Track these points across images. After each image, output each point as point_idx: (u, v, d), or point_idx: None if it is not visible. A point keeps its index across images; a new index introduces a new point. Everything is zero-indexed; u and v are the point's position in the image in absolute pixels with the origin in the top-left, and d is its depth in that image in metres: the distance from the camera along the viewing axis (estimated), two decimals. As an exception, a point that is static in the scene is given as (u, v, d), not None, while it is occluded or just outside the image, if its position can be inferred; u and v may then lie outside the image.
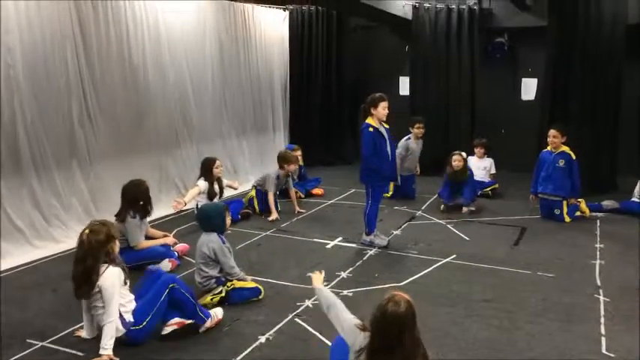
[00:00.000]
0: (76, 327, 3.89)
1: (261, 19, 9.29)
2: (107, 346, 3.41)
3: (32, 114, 5.52)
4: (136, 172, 6.71)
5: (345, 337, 2.90)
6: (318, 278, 3.37)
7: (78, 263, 3.54)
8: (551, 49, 8.26)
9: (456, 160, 7.30)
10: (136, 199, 5.12)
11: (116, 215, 5.09)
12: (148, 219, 5.42)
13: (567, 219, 6.76)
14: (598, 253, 5.61)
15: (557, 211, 6.81)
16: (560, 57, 8.12)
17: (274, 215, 6.79)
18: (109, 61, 6.37)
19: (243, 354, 3.57)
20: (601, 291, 4.61)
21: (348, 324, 2.89)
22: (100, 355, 3.40)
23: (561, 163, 6.78)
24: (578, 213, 6.88)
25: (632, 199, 7.27)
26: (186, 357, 3.47)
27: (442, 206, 7.31)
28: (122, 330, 3.55)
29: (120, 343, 3.54)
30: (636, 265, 5.20)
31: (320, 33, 10.46)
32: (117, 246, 3.71)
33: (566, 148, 6.83)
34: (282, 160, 7.13)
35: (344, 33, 10.78)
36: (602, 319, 4.09)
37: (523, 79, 10.04)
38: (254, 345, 3.69)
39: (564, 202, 6.79)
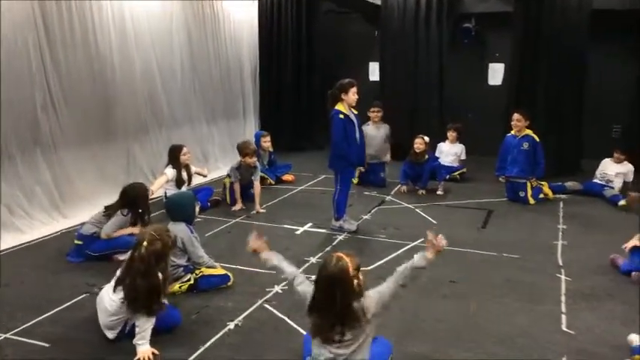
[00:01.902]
0: (36, 319, 3.83)
1: (229, 5, 9.18)
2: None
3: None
4: (103, 161, 6.67)
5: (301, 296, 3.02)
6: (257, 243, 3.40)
7: (140, 278, 3.33)
8: (517, 35, 8.38)
9: (417, 143, 7.50)
10: (134, 204, 5.01)
11: (106, 207, 5.02)
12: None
13: (531, 201, 6.92)
14: (561, 233, 5.77)
15: (521, 193, 6.98)
16: (525, 42, 8.25)
17: (238, 205, 6.66)
18: (73, 50, 6.22)
19: (212, 341, 3.58)
20: (563, 271, 4.75)
21: (304, 287, 3.05)
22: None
23: (525, 145, 6.94)
24: (541, 195, 7.05)
25: (594, 180, 7.47)
26: (152, 346, 3.45)
27: (402, 188, 7.52)
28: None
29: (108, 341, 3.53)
30: (597, 244, 5.36)
31: (289, 19, 10.40)
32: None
33: (529, 132, 6.99)
34: (239, 151, 6.81)
35: (314, 19, 10.74)
36: (563, 298, 4.21)
37: (490, 64, 10.18)
38: (222, 332, 3.69)
39: (528, 184, 6.95)
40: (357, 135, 5.74)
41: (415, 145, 7.51)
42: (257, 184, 6.74)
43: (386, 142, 8.16)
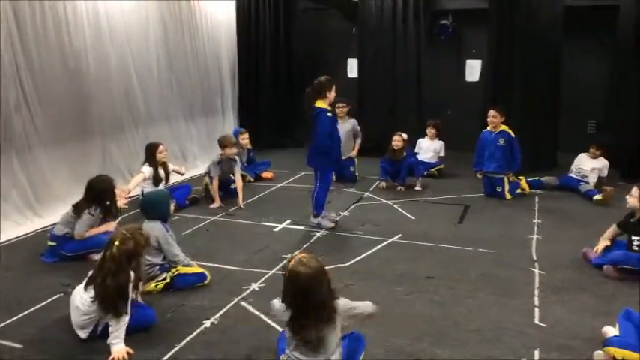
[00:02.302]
0: (10, 320, 3.79)
1: (206, 3, 9.13)
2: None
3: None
4: (79, 159, 6.59)
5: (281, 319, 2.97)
6: None
7: (110, 278, 3.31)
8: (493, 31, 8.46)
9: (396, 140, 7.59)
10: (101, 197, 4.95)
11: (74, 206, 4.95)
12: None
13: (508, 196, 7.00)
14: (536, 228, 5.85)
15: (498, 189, 7.04)
16: (501, 39, 8.33)
17: (216, 203, 6.60)
18: (47, 47, 6.13)
19: (188, 338, 3.57)
20: (536, 264, 4.82)
21: (276, 306, 2.99)
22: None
23: (501, 142, 7.00)
24: (518, 190, 7.15)
25: (570, 175, 7.58)
26: (127, 344, 3.43)
27: (381, 184, 7.61)
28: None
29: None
30: (571, 239, 5.44)
31: (268, 16, 10.37)
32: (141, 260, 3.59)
33: (505, 127, 7.06)
34: (220, 144, 6.85)
35: (292, 16, 10.73)
36: (536, 292, 4.28)
37: (467, 61, 10.27)
38: (199, 329, 3.69)
39: (505, 180, 7.02)
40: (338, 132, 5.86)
41: (393, 143, 7.57)
42: (239, 178, 6.78)
43: (353, 138, 8.21)
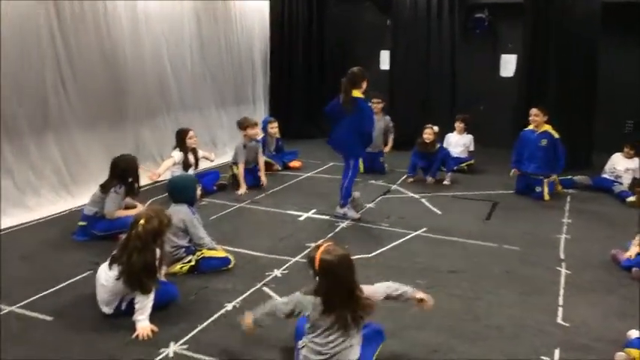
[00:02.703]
0: (42, 294, 3.93)
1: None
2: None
3: (6, 81, 5.44)
4: (112, 142, 6.74)
5: (296, 308, 2.99)
6: (246, 318, 3.23)
7: (136, 255, 3.42)
8: (529, 26, 8.30)
9: (427, 133, 7.45)
10: (125, 175, 5.11)
11: (101, 186, 5.10)
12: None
13: (547, 197, 6.75)
14: (565, 227, 5.75)
15: (537, 189, 6.77)
16: (537, 33, 8.17)
17: (242, 189, 6.69)
18: (85, 31, 6.28)
19: (209, 320, 3.65)
20: (563, 264, 4.74)
21: (291, 299, 3.02)
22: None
23: (544, 142, 6.76)
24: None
25: (604, 175, 7.42)
26: (151, 322, 3.51)
27: (410, 177, 7.53)
28: None
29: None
30: (601, 240, 5.34)
31: (301, 6, 10.38)
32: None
33: (548, 127, 6.80)
34: (240, 125, 7.01)
35: (325, 6, 10.70)
36: (562, 291, 4.22)
37: (502, 55, 10.09)
38: (220, 312, 3.76)
39: (545, 181, 6.78)
40: None
41: (425, 136, 7.48)
42: (261, 159, 7.07)
43: (383, 134, 8.25)
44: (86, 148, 6.39)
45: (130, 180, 5.14)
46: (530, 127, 6.95)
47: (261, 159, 7.09)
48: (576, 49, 8.00)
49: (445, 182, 7.40)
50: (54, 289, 4.03)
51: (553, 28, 7.99)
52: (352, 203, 5.89)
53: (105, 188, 5.05)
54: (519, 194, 6.94)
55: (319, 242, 3.01)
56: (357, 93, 5.63)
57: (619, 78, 9.13)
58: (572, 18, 7.91)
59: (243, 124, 6.95)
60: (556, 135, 6.76)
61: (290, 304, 3.01)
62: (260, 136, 7.22)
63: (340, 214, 5.88)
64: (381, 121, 8.10)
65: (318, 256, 2.87)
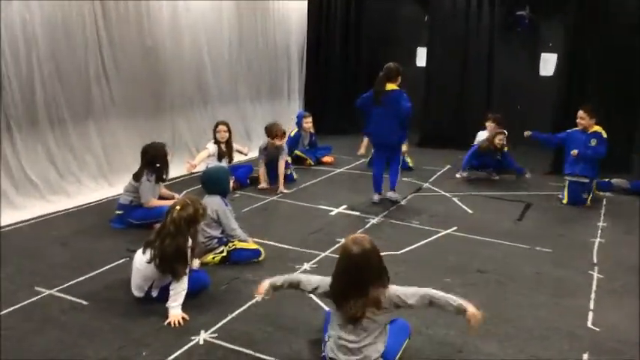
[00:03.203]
0: (78, 279, 4.08)
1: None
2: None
3: (49, 69, 5.65)
4: (150, 133, 6.90)
5: (320, 287, 3.07)
6: (261, 286, 3.31)
7: (170, 239, 3.54)
8: (570, 25, 8.12)
9: (499, 139, 7.40)
10: (154, 161, 5.26)
11: (134, 175, 5.25)
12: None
13: (589, 202, 6.54)
14: (599, 231, 5.64)
15: (585, 195, 6.52)
16: (580, 32, 7.97)
17: (263, 184, 6.72)
18: (127, 24, 6.46)
19: (240, 310, 3.73)
20: (596, 268, 4.66)
21: (320, 277, 3.11)
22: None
23: (593, 142, 6.49)
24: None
25: (643, 179, 7.24)
26: (182, 310, 3.61)
27: (462, 174, 7.51)
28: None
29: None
30: (636, 245, 5.22)
31: (339, 1, 10.38)
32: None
33: (598, 128, 6.56)
34: (267, 132, 6.85)
35: (363, 1, 10.68)
36: (593, 295, 4.15)
37: (542, 54, 9.90)
38: (250, 302, 3.83)
39: (594, 185, 6.62)
40: None
41: (496, 141, 7.39)
42: (282, 164, 6.73)
43: None
44: (125, 137, 6.57)
45: (159, 166, 5.27)
46: (579, 128, 6.65)
47: (282, 165, 6.75)
48: (618, 49, 7.79)
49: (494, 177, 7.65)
50: (90, 274, 4.17)
51: (597, 27, 7.78)
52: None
53: (137, 177, 5.20)
54: (572, 205, 6.48)
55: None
56: (392, 86, 5.94)
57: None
58: (615, 16, 7.70)
59: (272, 132, 6.76)
60: (604, 134, 6.54)
61: (316, 282, 3.09)
62: (289, 136, 7.25)
63: (394, 197, 6.25)
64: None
65: (345, 241, 2.93)
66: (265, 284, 3.27)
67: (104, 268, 4.29)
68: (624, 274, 4.57)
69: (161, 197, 5.49)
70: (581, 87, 8.06)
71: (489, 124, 8.32)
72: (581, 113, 6.61)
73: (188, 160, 6.48)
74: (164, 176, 5.40)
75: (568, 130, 6.81)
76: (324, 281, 3.05)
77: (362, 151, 7.92)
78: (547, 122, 8.68)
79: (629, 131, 8.36)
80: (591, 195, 6.59)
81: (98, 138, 6.31)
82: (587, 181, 6.52)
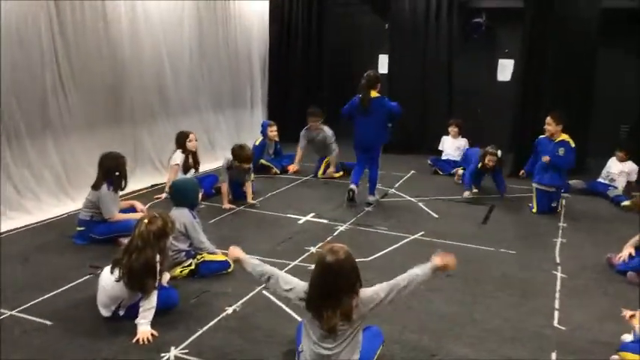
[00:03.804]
0: (41, 298, 3.96)
1: (241, -6, 9.25)
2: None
3: (5, 83, 5.47)
4: (110, 145, 6.71)
5: (292, 291, 3.03)
6: (236, 250, 3.37)
7: (137, 254, 3.47)
8: (526, 31, 8.35)
9: (489, 160, 7.01)
10: (111, 171, 5.12)
11: (92, 186, 5.12)
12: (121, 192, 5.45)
13: (559, 210, 6.50)
14: (560, 231, 5.80)
15: (554, 204, 6.45)
16: (534, 38, 8.21)
17: (226, 205, 6.29)
18: (84, 34, 6.30)
19: (210, 324, 3.67)
20: (559, 268, 4.79)
21: (294, 280, 3.07)
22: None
23: (561, 151, 6.36)
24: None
25: (599, 180, 7.48)
26: (151, 327, 3.54)
27: (467, 193, 7.14)
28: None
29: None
30: (596, 244, 5.39)
31: (300, 9, 10.42)
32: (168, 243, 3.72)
33: (565, 136, 6.43)
34: (234, 155, 6.38)
35: (324, 9, 10.74)
36: (558, 295, 4.26)
37: (500, 60, 10.16)
38: (221, 316, 3.78)
39: (562, 194, 6.57)
40: None
41: (486, 160, 7.02)
42: (249, 185, 6.53)
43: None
44: (84, 151, 6.39)
45: (117, 174, 5.12)
46: (546, 135, 6.54)
47: (249, 186, 6.54)
48: (573, 55, 8.05)
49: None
50: (53, 293, 4.05)
51: (551, 34, 8.02)
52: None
53: (96, 187, 5.07)
54: (542, 214, 6.40)
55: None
56: (374, 93, 6.33)
57: (614, 83, 9.21)
58: (570, 23, 7.95)
59: (239, 157, 6.34)
60: (572, 144, 6.40)
61: (293, 283, 3.05)
62: (254, 145, 7.17)
63: (372, 201, 6.60)
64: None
65: (321, 250, 2.94)
66: (239, 254, 3.31)
67: (67, 286, 4.16)
68: (586, 273, 4.71)
69: (121, 210, 5.34)
70: (538, 92, 8.29)
71: (452, 129, 8.53)
72: (548, 119, 6.51)
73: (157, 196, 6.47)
74: (122, 186, 5.24)
75: (539, 137, 6.71)
76: (300, 285, 3.02)
77: (296, 167, 7.97)
78: (506, 125, 8.93)
79: (584, 135, 8.63)
80: (560, 203, 6.55)
81: (56, 153, 6.12)
82: (554, 190, 6.46)
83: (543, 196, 6.47)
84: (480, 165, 7.08)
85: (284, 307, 3.90)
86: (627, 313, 3.51)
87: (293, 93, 10.60)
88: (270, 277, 3.12)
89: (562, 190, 6.62)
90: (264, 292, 4.16)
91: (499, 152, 7.02)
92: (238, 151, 6.37)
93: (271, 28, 10.26)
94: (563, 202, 6.75)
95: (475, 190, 7.22)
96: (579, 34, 8.05)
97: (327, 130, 7.99)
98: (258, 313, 3.83)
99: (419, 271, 3.06)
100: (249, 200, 6.49)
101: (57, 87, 6.06)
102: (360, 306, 2.89)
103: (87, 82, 6.40)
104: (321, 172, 7.96)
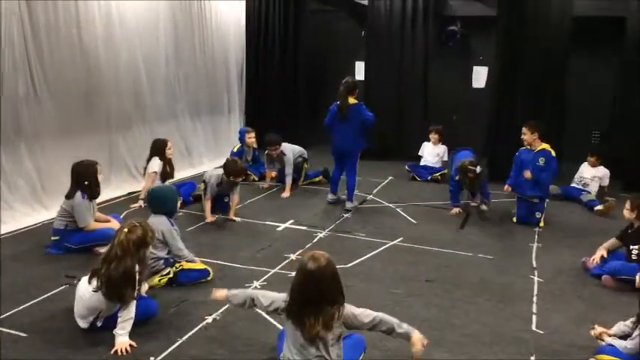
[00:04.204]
0: (16, 309, 3.87)
1: (217, 3, 9.19)
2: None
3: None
4: (85, 152, 6.60)
5: (273, 304, 3.05)
6: (219, 291, 3.34)
7: (116, 263, 3.40)
8: (500, 39, 8.49)
9: (469, 178, 6.54)
10: (82, 179, 5.03)
11: (66, 195, 5.03)
12: (98, 200, 5.37)
13: (542, 223, 6.25)
14: (536, 236, 5.89)
15: (538, 215, 6.25)
16: (508, 46, 8.35)
17: (210, 218, 6.06)
18: (58, 40, 6.19)
19: (190, 333, 3.63)
20: (536, 272, 4.87)
21: (274, 295, 3.10)
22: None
23: (541, 161, 6.21)
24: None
25: (572, 185, 7.62)
26: (130, 337, 3.49)
27: (457, 210, 6.75)
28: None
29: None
30: (571, 248, 5.49)
31: (277, 16, 10.44)
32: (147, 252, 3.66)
33: (545, 146, 6.29)
34: (228, 169, 6.03)
35: (301, 17, 10.76)
36: (535, 299, 4.33)
37: (474, 67, 10.32)
38: (201, 325, 3.75)
39: (546, 205, 6.36)
40: None
41: (469, 175, 6.51)
42: (236, 197, 6.25)
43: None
44: (59, 159, 6.27)
45: (87, 183, 5.03)
46: (526, 145, 6.40)
47: (236, 199, 6.26)
48: (546, 62, 8.20)
49: (482, 207, 6.82)
50: (28, 304, 3.96)
51: (524, 42, 8.17)
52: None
53: (69, 196, 4.98)
54: (521, 223, 6.29)
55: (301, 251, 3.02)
56: (352, 100, 6.41)
57: (586, 90, 9.43)
58: (543, 32, 8.11)
59: (232, 171, 6.01)
60: (553, 153, 6.29)
61: (271, 298, 3.07)
62: (231, 151, 7.12)
63: (351, 207, 6.59)
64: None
65: (303, 257, 2.94)
66: (222, 293, 3.27)
67: (43, 297, 4.08)
68: (562, 277, 4.79)
69: (96, 221, 5.26)
70: (512, 99, 8.42)
71: (432, 136, 8.62)
72: (523, 129, 6.37)
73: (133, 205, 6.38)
74: (96, 194, 5.14)
75: (519, 149, 6.56)
76: (280, 297, 3.04)
77: (273, 173, 7.90)
78: (480, 131, 9.04)
79: (558, 140, 8.78)
80: (543, 214, 6.30)
81: (30, 160, 6.00)
82: (537, 201, 6.28)
83: (524, 206, 6.33)
84: (457, 177, 6.72)
85: (264, 315, 3.87)
86: (598, 329, 3.57)
87: (270, 100, 10.59)
88: (254, 299, 3.14)
89: (546, 201, 6.37)
90: (244, 300, 4.14)
91: (478, 168, 6.54)
92: (232, 166, 6.02)
93: (248, 35, 10.23)
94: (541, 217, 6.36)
95: (460, 211, 6.76)
96: (551, 41, 8.20)
97: (289, 153, 7.60)
98: (238, 322, 3.81)
99: (397, 327, 3.00)
100: (232, 215, 6.18)
101: (30, 93, 5.94)
102: (343, 319, 2.91)
103: (61, 88, 6.28)
104: (302, 180, 7.94)
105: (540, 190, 6.27)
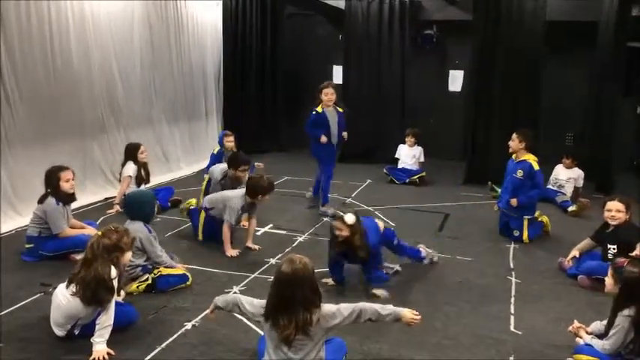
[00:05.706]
0: (-7, 318, 3.78)
1: (193, 5, 9.13)
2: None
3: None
4: (59, 158, 6.50)
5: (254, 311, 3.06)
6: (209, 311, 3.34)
7: (88, 266, 3.38)
8: (475, 43, 8.60)
9: (338, 230, 4.29)
10: (46, 185, 4.94)
11: (38, 200, 4.94)
12: (73, 206, 5.28)
13: (526, 240, 5.77)
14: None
15: (516, 233, 5.80)
16: (483, 50, 8.46)
17: (231, 252, 5.15)
18: (30, 45, 6.08)
19: (169, 341, 3.59)
20: (513, 273, 4.93)
21: (254, 301, 3.09)
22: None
23: (519, 174, 5.81)
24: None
25: (548, 187, 7.74)
26: (108, 345, 3.43)
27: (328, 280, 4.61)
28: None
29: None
30: (547, 249, 5.57)
31: (254, 20, 10.41)
32: (126, 257, 3.59)
33: (528, 157, 5.85)
34: (257, 190, 5.18)
35: (279, 20, 10.77)
36: (513, 300, 4.38)
37: (450, 71, 10.44)
38: (180, 331, 3.71)
39: (525, 222, 5.80)
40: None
41: (336, 232, 4.33)
42: (253, 222, 5.44)
43: None
44: (32, 165, 6.15)
45: (50, 190, 4.94)
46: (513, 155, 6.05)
47: (254, 224, 5.50)
48: (520, 66, 8.33)
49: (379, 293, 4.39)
50: (3, 313, 3.87)
51: (499, 46, 8.29)
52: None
53: (41, 201, 4.89)
54: (502, 235, 6.00)
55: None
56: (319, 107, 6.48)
57: (559, 93, 9.61)
58: (517, 36, 8.24)
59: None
60: (535, 166, 5.80)
61: (255, 303, 3.07)
62: (211, 154, 7.10)
63: (328, 212, 5.90)
64: None
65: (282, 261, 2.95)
66: (211, 307, 3.29)
67: (17, 305, 3.99)
68: (539, 278, 4.87)
69: (71, 227, 5.15)
70: (487, 102, 8.52)
71: (409, 139, 8.68)
72: (513, 135, 5.99)
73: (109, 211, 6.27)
74: (67, 199, 5.04)
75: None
76: (260, 302, 3.04)
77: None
78: (457, 134, 9.16)
79: (533, 143, 8.91)
80: (534, 232, 5.90)
81: (3, 166, 5.87)
82: (514, 215, 5.88)
83: (502, 220, 6.04)
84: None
85: (244, 320, 3.84)
86: (575, 325, 3.63)
87: (248, 103, 10.55)
88: (238, 304, 3.13)
89: (524, 217, 5.82)
90: (224, 305, 4.10)
91: (349, 217, 4.20)
92: (259, 183, 5.19)
93: (225, 38, 10.18)
94: (527, 232, 5.89)
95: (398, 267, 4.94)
96: (526, 45, 8.35)
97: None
98: (218, 328, 3.77)
99: (382, 310, 3.04)
100: (249, 243, 5.35)
101: (2, 100, 5.82)
102: (321, 320, 2.90)
103: (34, 95, 6.16)
104: None
105: (520, 210, 5.79)
